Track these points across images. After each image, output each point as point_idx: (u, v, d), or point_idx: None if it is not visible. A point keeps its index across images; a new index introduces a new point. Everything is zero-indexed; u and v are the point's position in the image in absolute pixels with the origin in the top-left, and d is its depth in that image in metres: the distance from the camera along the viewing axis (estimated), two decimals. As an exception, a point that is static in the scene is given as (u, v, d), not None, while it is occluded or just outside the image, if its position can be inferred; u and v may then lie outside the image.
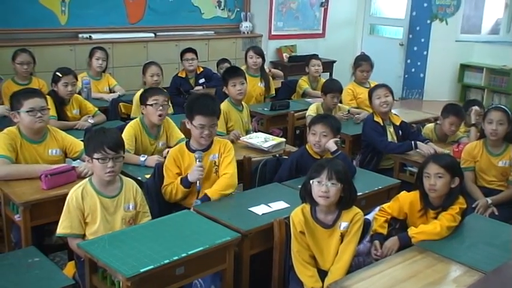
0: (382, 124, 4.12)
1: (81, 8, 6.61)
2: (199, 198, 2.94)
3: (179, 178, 3.02)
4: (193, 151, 3.08)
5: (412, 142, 3.95)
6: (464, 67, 8.51)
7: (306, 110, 4.78)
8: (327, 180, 2.48)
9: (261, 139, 3.83)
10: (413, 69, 8.81)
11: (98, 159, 2.57)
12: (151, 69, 4.79)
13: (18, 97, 3.15)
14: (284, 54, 8.10)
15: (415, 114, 5.28)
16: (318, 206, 2.56)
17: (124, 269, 2.12)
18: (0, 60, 5.53)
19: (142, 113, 3.60)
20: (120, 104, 4.80)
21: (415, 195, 2.79)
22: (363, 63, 5.24)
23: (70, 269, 2.71)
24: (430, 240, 2.55)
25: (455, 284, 2.21)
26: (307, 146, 3.42)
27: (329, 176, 2.48)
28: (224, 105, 4.02)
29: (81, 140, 3.25)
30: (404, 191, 2.87)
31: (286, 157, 3.54)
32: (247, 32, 7.98)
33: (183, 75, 5.87)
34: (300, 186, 2.64)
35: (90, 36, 6.57)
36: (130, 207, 2.70)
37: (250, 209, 2.79)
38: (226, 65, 5.94)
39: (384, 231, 2.72)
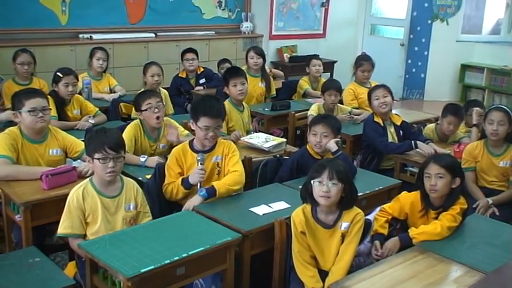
0: (382, 124, 4.12)
1: (82, 8, 6.62)
2: (206, 188, 2.91)
3: (180, 179, 3.02)
4: (196, 151, 3.07)
5: (412, 142, 3.95)
6: (465, 67, 8.51)
7: (307, 110, 4.78)
8: (328, 180, 2.47)
9: (261, 139, 3.83)
10: (414, 70, 8.81)
11: (98, 159, 2.58)
12: (151, 69, 4.79)
13: (19, 97, 3.15)
14: (285, 55, 8.10)
15: (416, 115, 5.28)
16: (318, 206, 2.56)
17: (125, 269, 2.12)
18: (0, 61, 5.54)
19: (140, 120, 3.59)
20: (121, 104, 4.80)
21: (415, 195, 2.79)
22: (364, 63, 5.24)
23: (71, 269, 2.71)
24: (431, 241, 2.54)
25: (456, 284, 2.21)
26: (307, 146, 3.42)
27: (330, 176, 2.47)
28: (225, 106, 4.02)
29: (82, 140, 3.25)
30: (405, 192, 2.87)
31: (287, 157, 3.54)
32: (248, 32, 7.98)
33: (184, 76, 5.88)
34: (300, 187, 2.64)
35: (90, 36, 6.57)
36: (131, 207, 2.70)
37: (251, 209, 2.79)
38: (227, 65, 5.95)
39: (385, 232, 2.72)
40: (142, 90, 3.96)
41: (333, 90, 4.64)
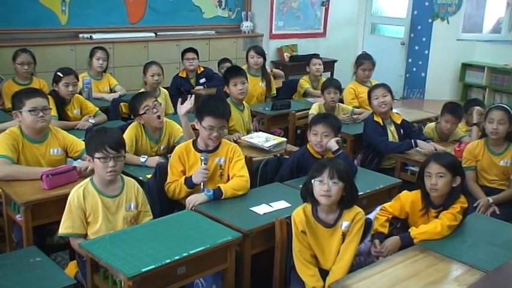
0: (382, 124, 4.12)
1: (82, 8, 6.62)
2: (213, 189, 2.90)
3: (183, 178, 3.01)
4: (199, 151, 3.07)
5: (412, 141, 3.95)
6: (465, 66, 8.50)
7: (307, 109, 4.78)
8: (328, 179, 2.47)
9: (262, 139, 3.83)
10: (414, 69, 8.81)
11: (99, 158, 2.58)
12: (152, 69, 4.78)
13: (20, 97, 3.15)
14: (285, 54, 8.10)
15: (416, 114, 5.28)
16: (319, 205, 2.56)
17: (125, 268, 2.13)
18: (0, 60, 5.55)
19: (142, 123, 3.55)
20: (121, 103, 4.80)
21: (416, 194, 2.79)
22: (364, 61, 5.24)
23: (72, 268, 2.71)
24: (431, 240, 2.54)
25: (456, 283, 2.21)
26: (308, 146, 3.41)
27: (331, 175, 2.47)
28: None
29: (83, 140, 3.25)
30: (405, 191, 2.87)
31: (287, 157, 3.55)
32: (248, 32, 7.98)
33: (184, 75, 5.88)
34: (301, 186, 2.64)
35: (90, 36, 6.57)
36: (132, 206, 2.70)
37: (252, 208, 2.80)
38: (227, 64, 5.94)
39: (385, 231, 2.72)
40: (136, 94, 3.90)
41: (331, 88, 4.64)
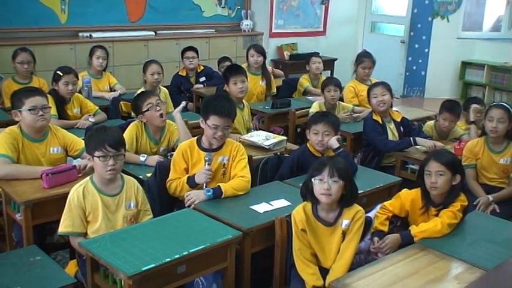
0: (381, 122, 4.12)
1: (81, 7, 6.62)
2: (213, 188, 2.90)
3: (186, 177, 3.01)
4: (203, 149, 3.06)
5: (411, 138, 3.95)
6: (465, 64, 8.49)
7: (307, 108, 4.78)
8: (328, 177, 2.47)
9: (262, 137, 3.83)
10: (414, 67, 8.80)
11: (99, 157, 2.58)
12: (151, 67, 4.78)
13: (19, 96, 3.15)
14: (285, 52, 8.10)
15: (416, 112, 5.27)
16: (319, 204, 2.56)
17: (125, 267, 2.12)
18: (0, 59, 5.54)
19: (144, 122, 3.54)
20: (121, 102, 4.80)
21: (416, 192, 2.79)
22: (365, 59, 5.23)
23: (72, 267, 2.71)
24: (432, 238, 2.54)
25: (456, 281, 2.21)
26: (308, 144, 3.41)
27: (331, 173, 2.47)
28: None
29: (82, 139, 3.25)
30: (405, 189, 2.87)
31: (288, 155, 3.54)
32: (248, 30, 7.97)
33: (184, 74, 5.88)
34: (301, 185, 2.64)
35: (90, 34, 6.57)
36: (132, 205, 2.70)
37: (252, 207, 2.80)
38: (227, 63, 5.94)
39: (385, 229, 2.72)
40: (139, 92, 3.91)
41: (331, 86, 4.64)
